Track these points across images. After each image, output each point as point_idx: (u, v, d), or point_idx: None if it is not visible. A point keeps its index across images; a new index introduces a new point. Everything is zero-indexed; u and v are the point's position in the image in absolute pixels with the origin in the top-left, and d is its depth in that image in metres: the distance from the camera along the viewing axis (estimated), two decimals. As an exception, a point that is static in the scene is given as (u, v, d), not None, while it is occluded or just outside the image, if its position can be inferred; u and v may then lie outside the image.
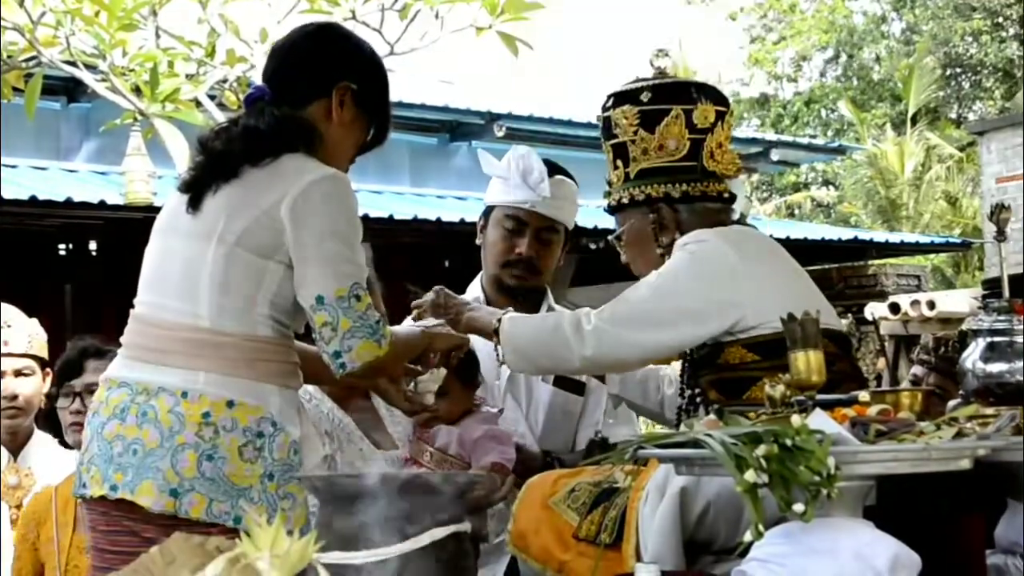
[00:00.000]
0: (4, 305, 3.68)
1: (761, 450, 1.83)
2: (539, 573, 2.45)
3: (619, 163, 2.67)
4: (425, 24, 5.54)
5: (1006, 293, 2.29)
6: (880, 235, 13.37)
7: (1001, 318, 2.23)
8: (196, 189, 2.31)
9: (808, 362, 2.01)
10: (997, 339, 2.20)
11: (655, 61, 2.66)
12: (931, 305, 8.04)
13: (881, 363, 8.00)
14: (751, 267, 2.47)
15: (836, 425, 1.92)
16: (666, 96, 2.60)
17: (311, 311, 2.27)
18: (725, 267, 2.45)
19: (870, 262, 11.37)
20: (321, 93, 2.38)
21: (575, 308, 3.41)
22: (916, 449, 1.90)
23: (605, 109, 2.69)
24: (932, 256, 17.78)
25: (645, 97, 2.61)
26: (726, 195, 2.65)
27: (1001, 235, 2.28)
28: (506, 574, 2.78)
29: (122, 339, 2.41)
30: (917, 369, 3.86)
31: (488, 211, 3.15)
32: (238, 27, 5.34)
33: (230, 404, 2.25)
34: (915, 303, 8.18)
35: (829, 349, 2.16)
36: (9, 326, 3.58)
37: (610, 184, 2.72)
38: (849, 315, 9.50)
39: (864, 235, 12.24)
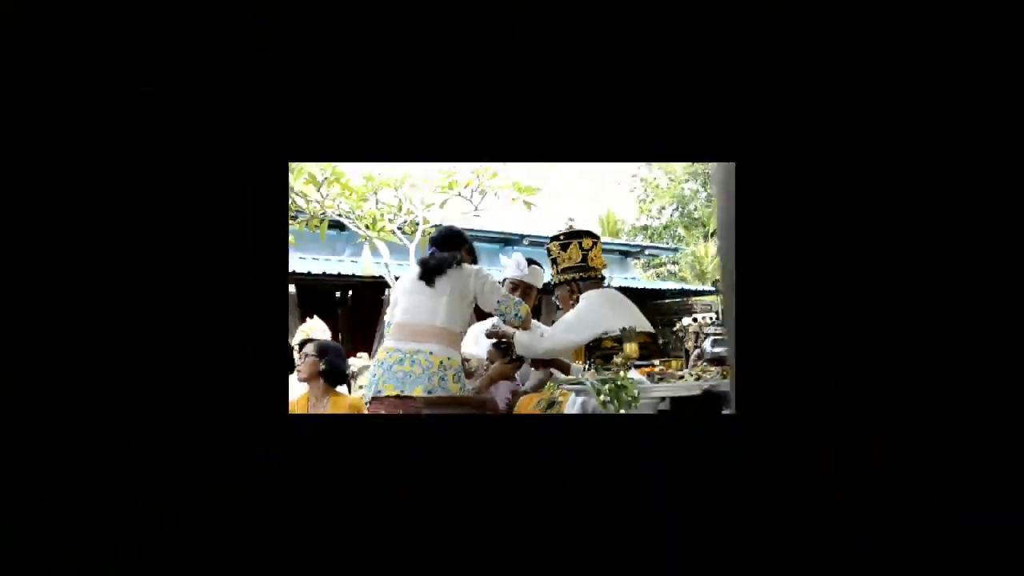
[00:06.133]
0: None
1: (607, 387, 3.32)
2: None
3: (554, 267, 4.41)
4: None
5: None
6: (691, 287, 18.09)
7: (717, 329, 4.75)
8: (429, 276, 4.10)
9: (632, 347, 3.57)
10: (716, 337, 4.67)
11: (567, 224, 4.72)
12: (709, 317, 10.99)
13: (690, 346, 10.94)
14: (611, 304, 4.16)
15: (641, 376, 3.45)
16: (570, 237, 4.40)
17: (498, 307, 4.12)
18: (599, 306, 4.13)
19: (688, 300, 16.45)
20: (459, 248, 4.24)
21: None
22: (676, 385, 3.40)
23: (546, 246, 4.48)
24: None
25: (561, 238, 4.41)
26: (599, 276, 4.39)
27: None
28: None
29: (390, 332, 4.08)
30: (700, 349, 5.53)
31: (502, 281, 4.69)
32: (411, 198, 8.74)
33: (449, 358, 3.95)
34: (701, 317, 11.18)
35: (644, 340, 3.78)
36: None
37: (551, 277, 4.49)
38: (691, 319, 12.75)
39: (683, 286, 17.51)
